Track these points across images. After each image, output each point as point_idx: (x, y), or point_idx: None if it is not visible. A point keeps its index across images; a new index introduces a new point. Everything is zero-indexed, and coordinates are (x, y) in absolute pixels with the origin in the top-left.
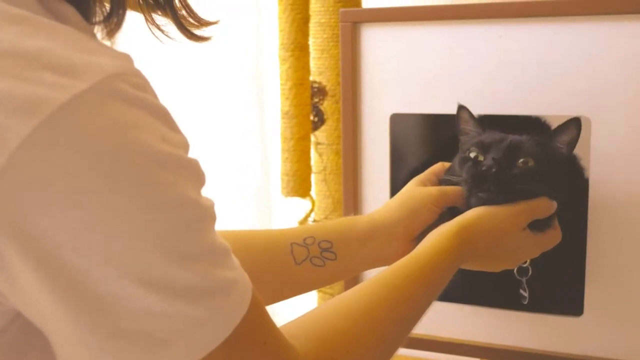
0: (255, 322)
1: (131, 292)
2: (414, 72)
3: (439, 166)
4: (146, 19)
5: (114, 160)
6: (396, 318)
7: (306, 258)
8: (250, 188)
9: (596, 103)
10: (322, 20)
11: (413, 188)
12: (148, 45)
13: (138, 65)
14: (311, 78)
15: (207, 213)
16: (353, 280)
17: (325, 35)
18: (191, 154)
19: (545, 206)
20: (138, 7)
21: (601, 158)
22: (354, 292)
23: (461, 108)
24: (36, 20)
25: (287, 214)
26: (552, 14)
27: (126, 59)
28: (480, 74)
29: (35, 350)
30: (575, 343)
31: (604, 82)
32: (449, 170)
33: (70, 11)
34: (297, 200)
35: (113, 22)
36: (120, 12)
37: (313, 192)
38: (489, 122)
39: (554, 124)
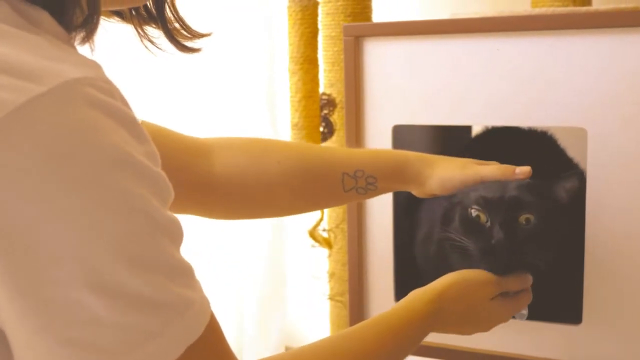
0: (211, 347)
1: (82, 298)
2: (415, 84)
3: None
4: (138, 32)
5: (69, 161)
6: None
7: (353, 187)
8: None
9: (592, 114)
10: (333, 34)
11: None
12: (165, 60)
13: (158, 78)
14: (322, 90)
15: (167, 227)
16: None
17: (335, 48)
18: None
19: (519, 282)
20: (130, 20)
21: (598, 168)
22: (322, 342)
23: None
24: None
25: (299, 223)
26: (549, 28)
27: (93, 66)
28: (480, 86)
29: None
30: (574, 351)
31: (600, 93)
32: (447, 223)
33: (44, 16)
34: None
35: (88, 28)
36: (95, 18)
37: None
38: (495, 134)
39: (559, 138)
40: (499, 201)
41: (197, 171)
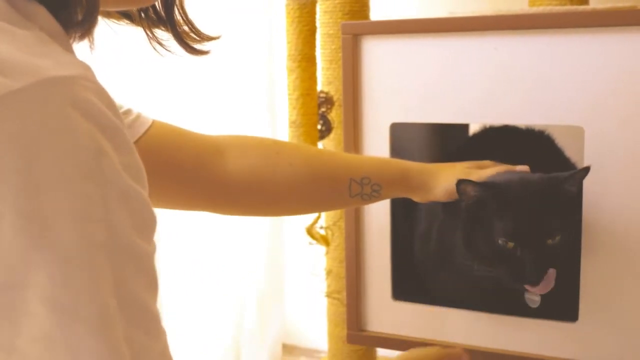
0: None
1: (35, 310)
2: (413, 82)
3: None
4: (147, 35)
5: (31, 161)
6: None
7: (358, 194)
8: None
9: (590, 113)
10: (331, 32)
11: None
12: (164, 58)
13: (157, 76)
14: (320, 88)
15: (133, 251)
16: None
17: (333, 46)
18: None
19: (457, 356)
20: (139, 23)
21: (594, 166)
22: None
23: (460, 182)
24: None
25: (297, 220)
26: (546, 26)
27: (81, 66)
28: (477, 84)
29: None
30: (570, 348)
31: (597, 92)
32: (472, 248)
33: (40, 11)
34: None
35: (85, 26)
36: (93, 17)
37: None
38: (492, 133)
39: (557, 137)
40: (527, 230)
41: (211, 169)
